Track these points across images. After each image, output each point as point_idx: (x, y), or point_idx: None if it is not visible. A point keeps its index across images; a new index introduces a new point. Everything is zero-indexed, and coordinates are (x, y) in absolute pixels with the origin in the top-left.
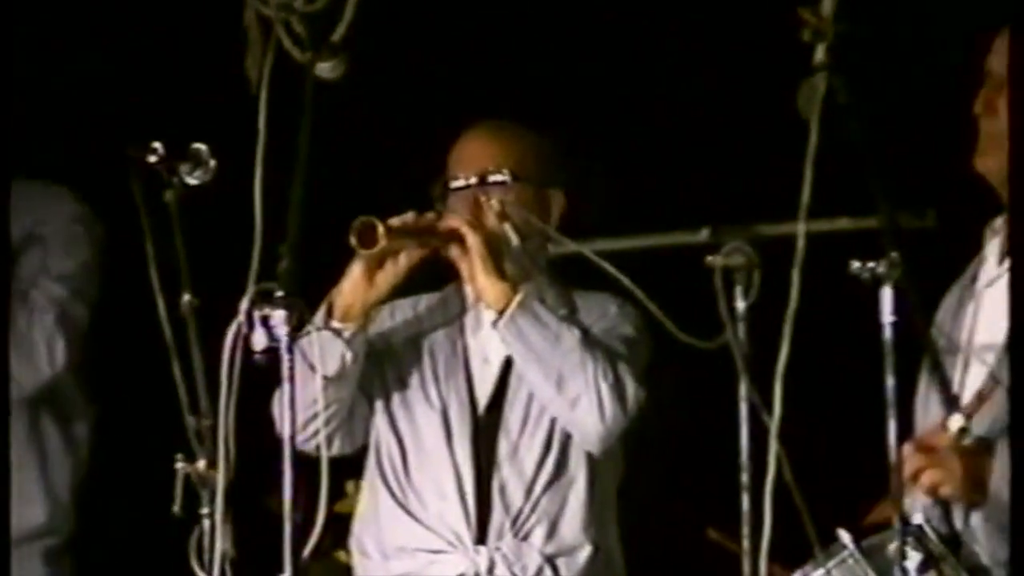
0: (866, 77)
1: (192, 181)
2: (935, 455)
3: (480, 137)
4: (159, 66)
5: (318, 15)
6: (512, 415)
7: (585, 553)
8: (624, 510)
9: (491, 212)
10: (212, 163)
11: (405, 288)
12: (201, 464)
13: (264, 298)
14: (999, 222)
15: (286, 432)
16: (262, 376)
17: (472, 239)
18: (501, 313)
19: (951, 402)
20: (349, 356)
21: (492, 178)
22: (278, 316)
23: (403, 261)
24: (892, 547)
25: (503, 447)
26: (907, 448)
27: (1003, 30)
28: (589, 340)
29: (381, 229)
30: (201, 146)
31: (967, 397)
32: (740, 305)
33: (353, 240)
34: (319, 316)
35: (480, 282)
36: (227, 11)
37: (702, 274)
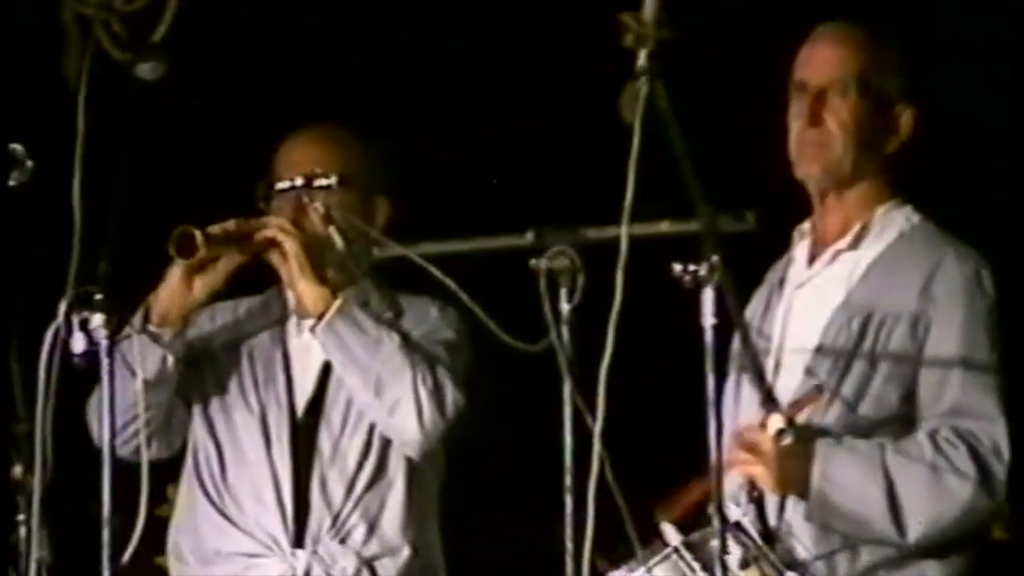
0: (686, 82)
1: (10, 182)
2: (755, 451)
3: (307, 140)
4: None
5: (138, 15)
6: (333, 417)
7: (404, 555)
8: (446, 512)
9: (315, 215)
10: (29, 164)
11: (227, 291)
12: (18, 469)
13: (83, 301)
14: (807, 225)
15: (105, 436)
16: (82, 381)
17: (290, 245)
18: (320, 318)
19: (769, 401)
20: (170, 360)
21: (318, 182)
22: (97, 319)
23: (222, 267)
24: (714, 543)
25: (324, 448)
26: (728, 442)
27: (810, 39)
28: (409, 345)
29: (200, 238)
30: (18, 146)
31: (781, 393)
32: (564, 308)
33: (172, 249)
34: (136, 320)
35: (299, 287)
36: (45, 10)
37: (527, 277)
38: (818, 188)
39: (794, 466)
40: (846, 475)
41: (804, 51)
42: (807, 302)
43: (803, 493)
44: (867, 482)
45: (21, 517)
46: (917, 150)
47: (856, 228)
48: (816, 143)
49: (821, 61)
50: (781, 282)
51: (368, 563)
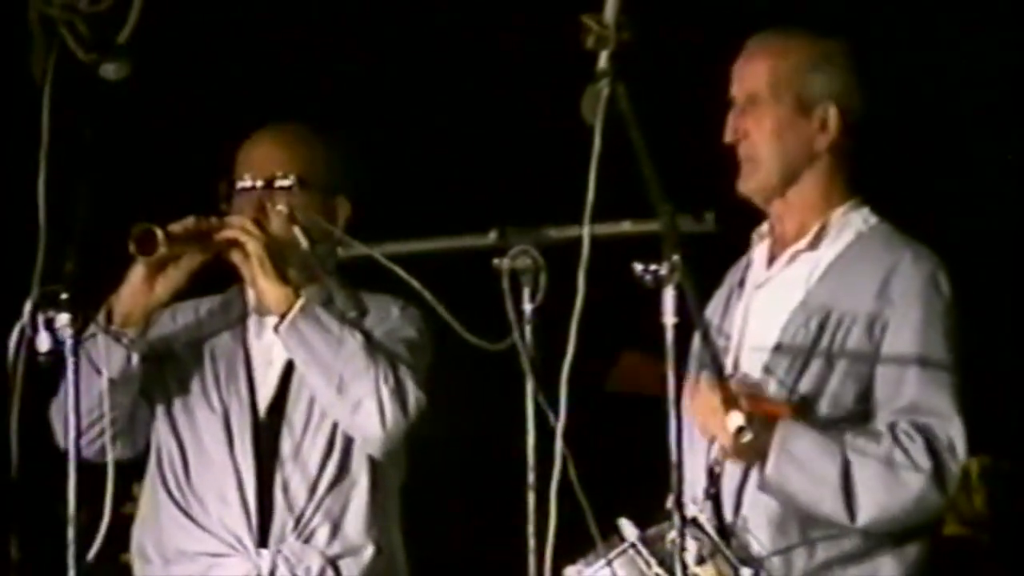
0: (646, 84)
1: None
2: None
3: (268, 140)
4: None
5: (103, 16)
6: (295, 416)
7: (368, 553)
8: (408, 511)
9: (277, 216)
10: None
11: (188, 290)
12: None
13: (48, 300)
14: (765, 227)
15: (71, 434)
16: (46, 380)
17: (252, 245)
18: (283, 317)
19: (729, 402)
20: (134, 359)
21: (278, 183)
22: (62, 319)
23: (184, 266)
24: (671, 537)
25: (286, 448)
26: (703, 384)
27: (743, 55)
28: (371, 345)
29: (161, 235)
30: None
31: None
32: (527, 307)
33: (132, 247)
34: (98, 321)
35: (260, 286)
36: (11, 10)
37: (490, 277)
38: (760, 200)
39: (755, 433)
40: (805, 448)
41: (733, 68)
42: (766, 302)
43: (761, 460)
44: (824, 459)
45: None
46: (855, 144)
47: (815, 229)
48: (745, 157)
49: (741, 75)
50: (741, 282)
51: (332, 562)
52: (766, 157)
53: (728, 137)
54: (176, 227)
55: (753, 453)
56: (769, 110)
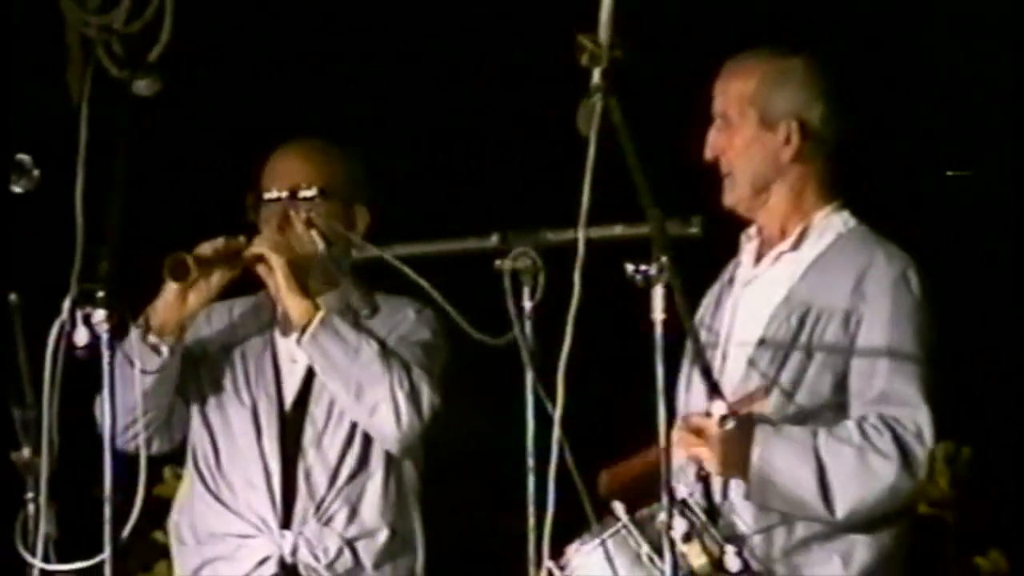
0: (637, 98)
1: (17, 189)
2: (701, 435)
3: (292, 154)
4: None
5: (135, 36)
6: (317, 411)
7: (383, 536)
8: (426, 494)
9: (300, 224)
10: (36, 172)
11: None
12: (26, 452)
13: (86, 298)
14: (753, 229)
15: (106, 423)
16: (84, 372)
17: (276, 262)
18: (303, 331)
19: (714, 389)
20: (171, 366)
21: (302, 193)
22: (99, 314)
23: (214, 281)
24: (661, 518)
25: (308, 440)
26: (678, 426)
27: (719, 76)
28: (387, 351)
29: (191, 262)
30: (25, 157)
31: (726, 383)
32: (527, 305)
33: (166, 275)
34: (136, 331)
35: (285, 300)
36: (51, 32)
37: (492, 277)
38: (742, 211)
39: (736, 450)
40: (782, 459)
41: (717, 84)
42: (753, 299)
43: (744, 475)
44: (801, 465)
45: (30, 496)
46: (821, 154)
47: (797, 231)
48: (724, 173)
49: (716, 95)
50: (731, 280)
51: (349, 543)
52: (739, 172)
53: (707, 154)
54: (206, 249)
55: (736, 470)
56: (737, 128)
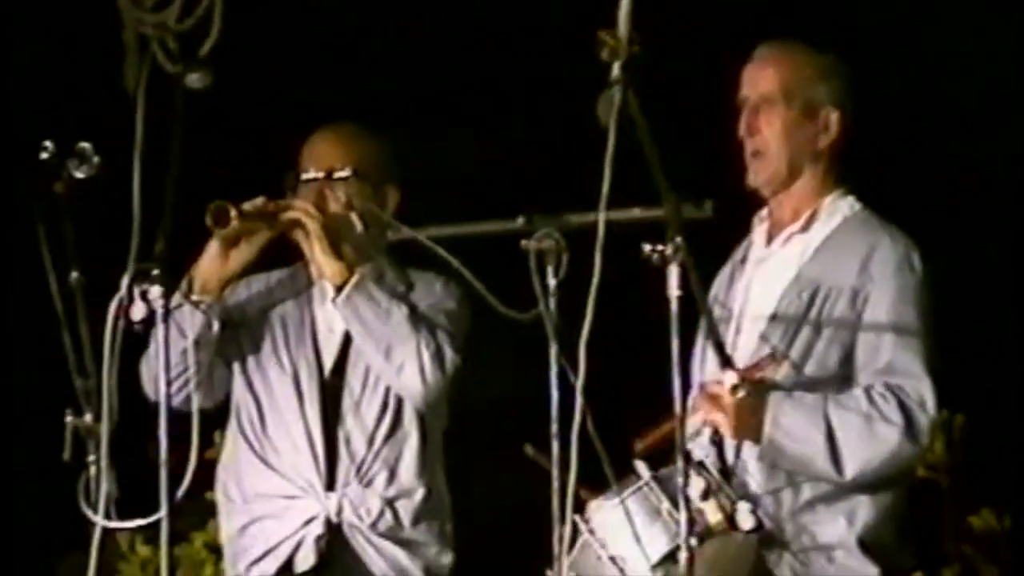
0: (652, 89)
1: (79, 175)
2: (716, 401)
3: (328, 137)
4: (52, 76)
5: (188, 33)
6: (354, 378)
7: (419, 495)
8: (451, 456)
9: (336, 202)
10: (96, 159)
11: (258, 265)
12: (88, 418)
13: (142, 275)
14: (765, 211)
15: (162, 390)
16: (141, 342)
17: (311, 225)
18: (339, 291)
19: (726, 361)
20: (212, 324)
21: (337, 174)
22: (154, 291)
23: (254, 241)
24: (679, 478)
25: (347, 407)
26: (695, 393)
27: (749, 60)
28: (415, 315)
29: (233, 211)
30: (86, 144)
31: (738, 355)
32: (551, 282)
33: (209, 220)
34: (180, 289)
35: (319, 261)
36: (109, 30)
37: (518, 256)
38: (768, 191)
39: (749, 415)
40: (793, 422)
41: (744, 71)
42: (765, 276)
43: (756, 438)
44: (811, 428)
45: (91, 458)
46: (847, 143)
47: (807, 214)
48: (755, 150)
49: (754, 79)
50: (743, 260)
51: (390, 503)
52: (775, 153)
53: (741, 132)
54: (247, 205)
55: (750, 431)
56: (781, 111)
